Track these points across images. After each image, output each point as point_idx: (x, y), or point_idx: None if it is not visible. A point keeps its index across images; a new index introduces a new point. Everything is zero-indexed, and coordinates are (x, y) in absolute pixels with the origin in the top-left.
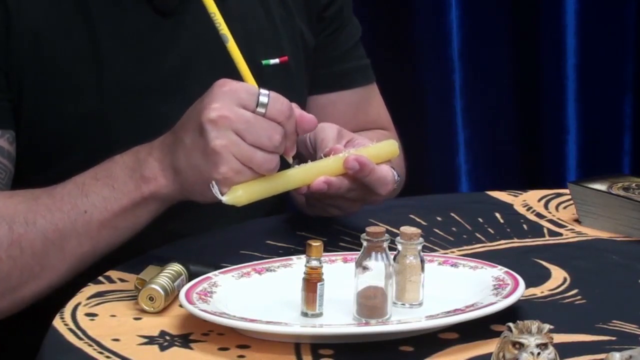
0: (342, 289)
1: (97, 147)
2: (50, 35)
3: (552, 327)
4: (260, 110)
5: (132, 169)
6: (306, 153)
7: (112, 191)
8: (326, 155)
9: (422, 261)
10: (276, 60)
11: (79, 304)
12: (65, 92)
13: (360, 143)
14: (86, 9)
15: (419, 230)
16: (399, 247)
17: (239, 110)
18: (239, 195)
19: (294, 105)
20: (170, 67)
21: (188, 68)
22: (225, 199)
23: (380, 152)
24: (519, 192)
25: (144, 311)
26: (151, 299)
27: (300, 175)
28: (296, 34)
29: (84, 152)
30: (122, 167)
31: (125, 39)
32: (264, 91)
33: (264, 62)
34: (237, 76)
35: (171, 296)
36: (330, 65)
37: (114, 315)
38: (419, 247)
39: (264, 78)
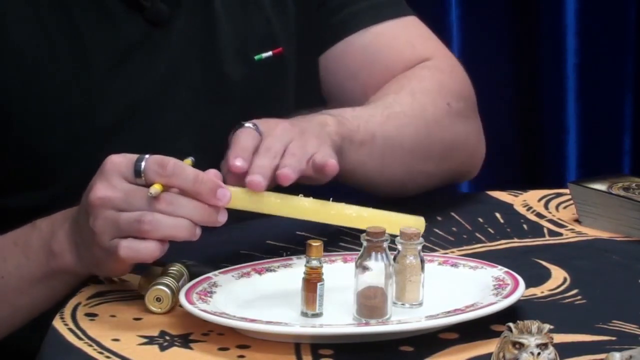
0: (342, 289)
1: (91, 166)
2: (36, 56)
3: (552, 327)
4: (139, 179)
5: (45, 240)
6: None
7: (26, 260)
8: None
9: (422, 261)
10: (269, 53)
11: (79, 304)
12: (54, 113)
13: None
14: (73, 27)
15: (419, 230)
16: (399, 247)
17: (119, 184)
18: None
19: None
20: (160, 76)
21: (177, 75)
22: None
23: (399, 221)
24: (519, 192)
25: (151, 312)
26: (158, 299)
27: (279, 206)
28: (290, 19)
29: (78, 171)
30: (38, 237)
31: (115, 54)
32: (142, 158)
33: (256, 57)
34: (229, 79)
35: (176, 296)
36: (335, 14)
37: (113, 316)
38: (419, 247)
39: (256, 71)
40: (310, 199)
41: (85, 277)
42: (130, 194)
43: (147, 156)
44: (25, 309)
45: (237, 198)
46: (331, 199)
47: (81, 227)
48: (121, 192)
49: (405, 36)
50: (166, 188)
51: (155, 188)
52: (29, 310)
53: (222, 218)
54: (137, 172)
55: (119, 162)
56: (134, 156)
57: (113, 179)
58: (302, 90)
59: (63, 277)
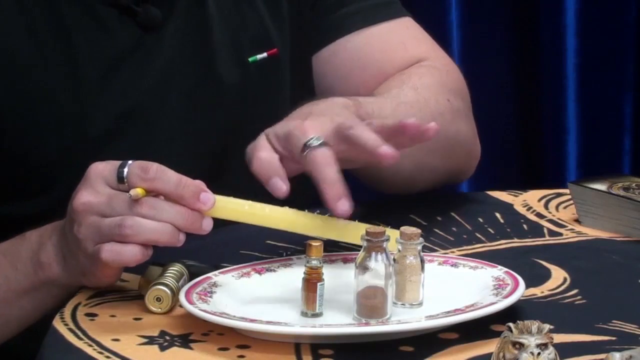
0: (342, 289)
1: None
2: (27, 63)
3: (552, 327)
4: (122, 185)
5: (34, 251)
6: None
7: (14, 272)
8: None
9: (422, 261)
10: (264, 55)
11: (79, 304)
12: (46, 121)
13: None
14: (64, 34)
15: (419, 230)
16: (399, 247)
17: (102, 190)
18: None
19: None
20: (153, 81)
21: (171, 80)
22: None
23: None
24: (519, 192)
25: (151, 312)
26: (158, 299)
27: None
28: (284, 19)
29: (73, 180)
30: (27, 248)
31: (107, 60)
32: (125, 163)
33: (250, 59)
34: (223, 82)
35: (176, 296)
36: (328, 14)
37: (113, 316)
38: (419, 247)
39: (251, 73)
40: (296, 211)
41: (73, 288)
42: (113, 199)
43: (130, 162)
44: (14, 320)
45: (221, 207)
46: (317, 212)
47: (67, 236)
48: (104, 197)
49: (397, 38)
50: (149, 194)
51: (136, 191)
52: (17, 322)
53: (207, 226)
54: (120, 178)
55: (102, 168)
56: (117, 162)
57: (96, 184)
58: (297, 91)
59: (51, 288)
